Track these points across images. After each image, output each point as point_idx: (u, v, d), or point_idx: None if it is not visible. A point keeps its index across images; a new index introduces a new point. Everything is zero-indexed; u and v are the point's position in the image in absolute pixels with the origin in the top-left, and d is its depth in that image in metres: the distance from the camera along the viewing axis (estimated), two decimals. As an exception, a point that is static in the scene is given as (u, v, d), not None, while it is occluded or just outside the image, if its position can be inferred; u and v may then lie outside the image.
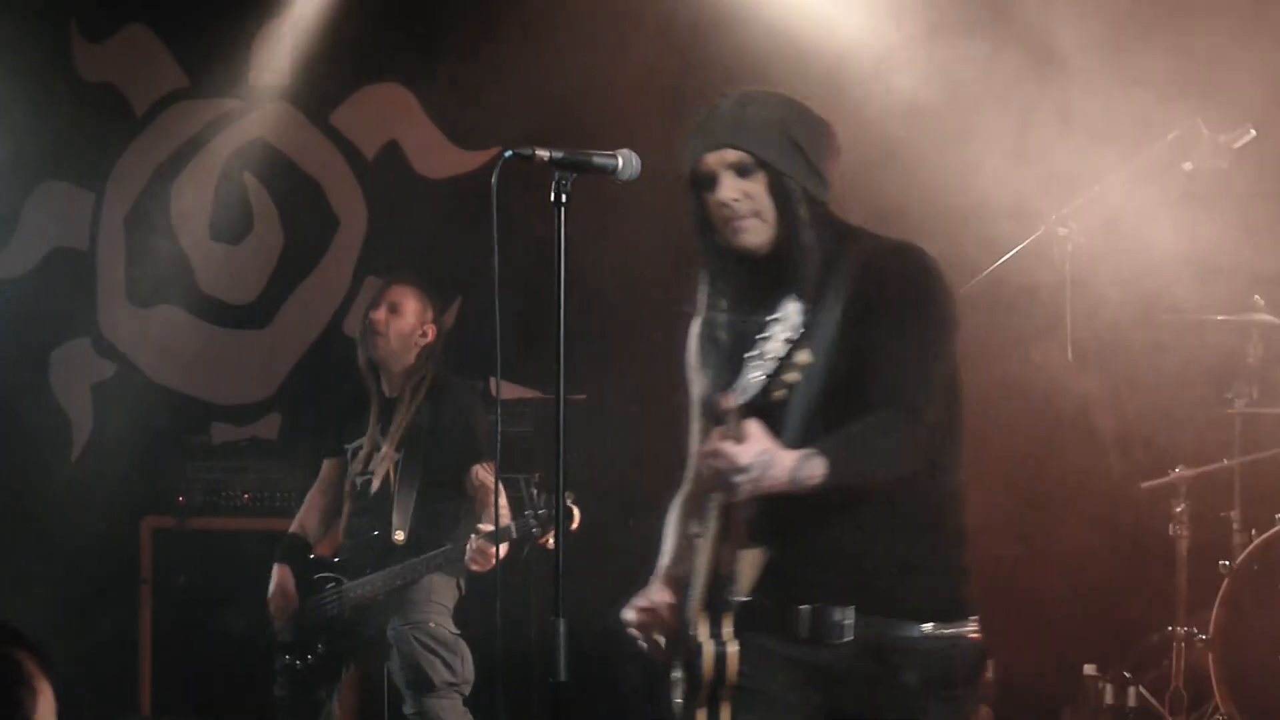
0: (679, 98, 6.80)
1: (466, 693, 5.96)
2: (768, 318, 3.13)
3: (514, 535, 5.58)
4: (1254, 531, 5.88)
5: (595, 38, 7.04)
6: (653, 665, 3.65)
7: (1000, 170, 6.31)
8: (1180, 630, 5.93)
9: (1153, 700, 6.05)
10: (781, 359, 3.12)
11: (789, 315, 3.11)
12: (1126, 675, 6.13)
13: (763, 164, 3.41)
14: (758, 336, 3.16)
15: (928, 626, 3.41)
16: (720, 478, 3.24)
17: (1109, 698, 6.10)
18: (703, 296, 3.63)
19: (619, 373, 6.93)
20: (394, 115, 8.02)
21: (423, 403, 6.02)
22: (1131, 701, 6.08)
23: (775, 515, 3.36)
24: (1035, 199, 6.18)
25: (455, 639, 5.95)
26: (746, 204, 3.42)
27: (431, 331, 6.09)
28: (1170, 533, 6.02)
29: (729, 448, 3.20)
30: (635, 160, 3.45)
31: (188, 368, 8.23)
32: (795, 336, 3.10)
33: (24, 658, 2.33)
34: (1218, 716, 5.73)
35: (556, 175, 3.37)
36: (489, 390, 6.76)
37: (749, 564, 3.42)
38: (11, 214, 8.39)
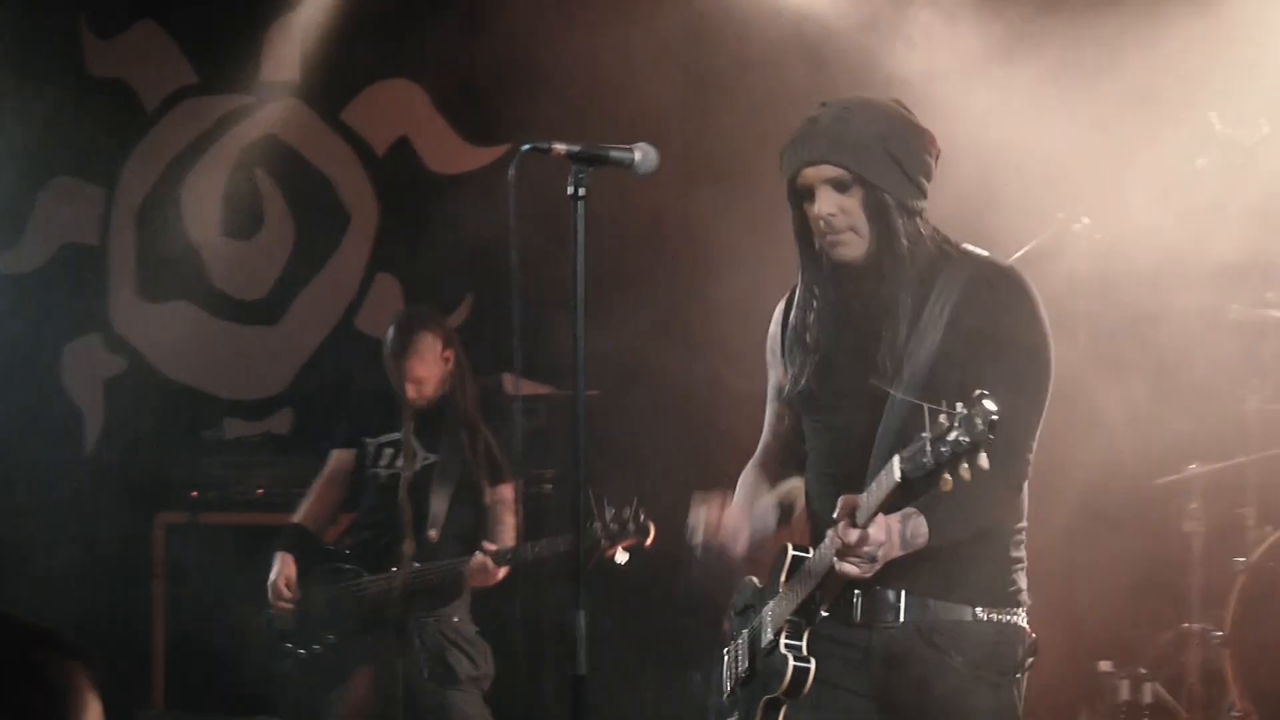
0: (693, 90, 6.80)
1: (486, 688, 6.00)
2: (961, 408, 3.01)
3: None
4: (1269, 528, 5.86)
5: (607, 31, 7.03)
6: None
7: (1016, 166, 6.30)
8: (1195, 627, 5.92)
9: (1169, 697, 6.04)
10: (957, 454, 3.01)
11: (979, 415, 2.98)
12: (1142, 672, 6.12)
13: (860, 179, 3.45)
14: (945, 420, 3.03)
15: (978, 611, 3.47)
16: (862, 561, 3.27)
17: (1125, 694, 6.09)
18: (798, 290, 3.67)
19: (631, 368, 6.91)
20: (405, 111, 8.01)
21: (462, 415, 6.05)
22: (1147, 698, 6.07)
23: None
24: (1050, 195, 6.17)
25: (476, 634, 6.00)
26: (843, 219, 3.47)
27: (451, 356, 6.10)
28: (1185, 529, 6.02)
29: (868, 535, 3.23)
30: (653, 153, 3.46)
31: (200, 363, 8.23)
32: (980, 441, 2.98)
33: (78, 669, 2.13)
34: (1233, 713, 5.72)
35: (574, 169, 3.37)
36: (501, 387, 6.76)
37: (839, 586, 3.46)
38: (23, 210, 8.38)
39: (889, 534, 3.27)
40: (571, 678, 3.30)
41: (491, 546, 5.80)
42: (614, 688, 6.13)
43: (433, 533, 5.97)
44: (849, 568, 3.28)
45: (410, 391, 6.04)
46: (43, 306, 8.27)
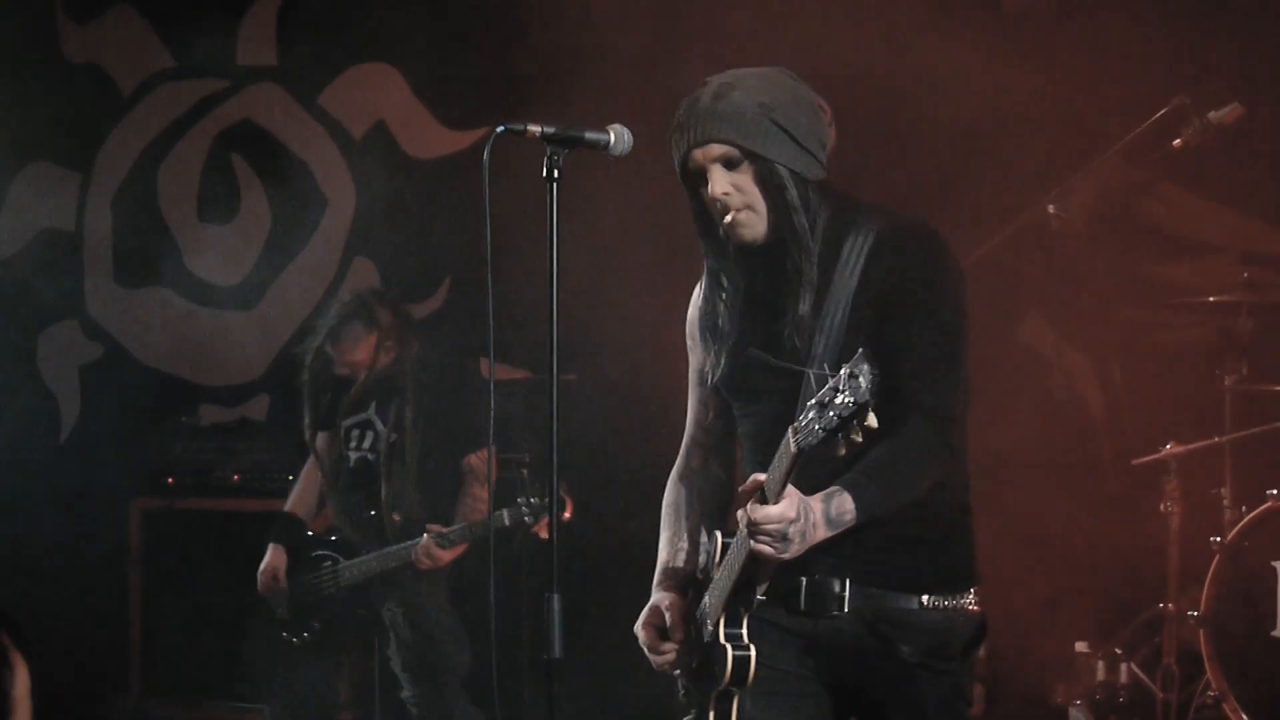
0: (672, 72, 6.78)
1: (464, 675, 5.98)
2: (844, 370, 2.93)
3: (506, 523, 5.61)
4: (1245, 508, 5.87)
5: (585, 15, 7.01)
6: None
7: (989, 151, 6.31)
8: (1171, 607, 5.93)
9: (1144, 677, 6.05)
10: (847, 417, 2.93)
11: (861, 374, 2.91)
12: (1118, 652, 6.13)
13: (748, 153, 3.35)
14: (831, 384, 2.96)
15: (925, 599, 3.41)
16: (773, 540, 3.18)
17: (1101, 675, 6.11)
18: (706, 278, 3.59)
19: (607, 352, 6.91)
20: (382, 95, 7.98)
21: (416, 385, 6.04)
22: (1123, 678, 6.09)
23: None
24: (1025, 179, 6.17)
25: (452, 621, 5.98)
26: (738, 197, 3.37)
27: (391, 330, 6.12)
28: (1162, 509, 6.02)
29: (771, 511, 3.15)
30: (627, 135, 3.44)
31: (176, 349, 8.21)
32: (864, 401, 2.91)
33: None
34: (1209, 693, 5.73)
35: (548, 151, 3.36)
36: (479, 371, 6.75)
37: (768, 569, 3.37)
38: (-2, 195, 8.36)
39: (804, 511, 3.17)
40: (545, 661, 3.30)
41: (436, 528, 5.79)
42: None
43: (396, 515, 5.96)
44: (761, 547, 3.19)
45: (358, 373, 6.09)
46: (18, 293, 8.25)
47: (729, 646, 3.38)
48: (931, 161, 6.36)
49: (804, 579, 3.41)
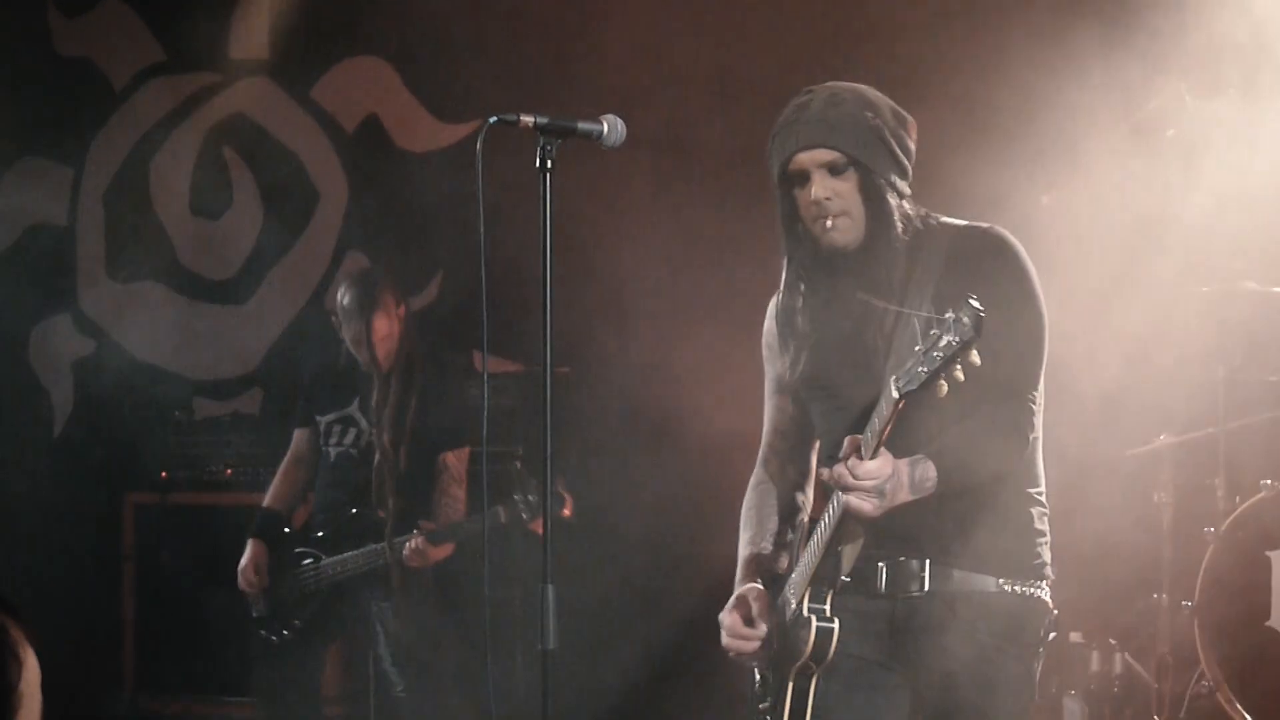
0: (662, 64, 6.79)
1: (452, 669, 5.96)
2: (949, 315, 3.08)
3: (502, 520, 5.60)
4: (1238, 498, 5.88)
5: (576, 6, 7.01)
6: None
7: (981, 141, 6.30)
8: (1165, 597, 5.94)
9: (1139, 667, 6.06)
10: (950, 357, 3.08)
11: (967, 315, 3.05)
12: (1112, 642, 6.14)
13: (855, 162, 3.49)
14: (935, 330, 3.11)
15: (1002, 582, 3.51)
16: (869, 495, 3.30)
17: (1095, 665, 6.12)
18: (785, 277, 3.70)
19: (603, 345, 6.91)
20: (374, 88, 7.98)
21: (411, 381, 6.00)
22: (1118, 669, 6.10)
23: None
24: (1018, 170, 6.17)
25: (440, 615, 5.96)
26: (838, 203, 3.50)
27: (402, 311, 6.05)
28: (1155, 500, 6.03)
29: (870, 465, 3.28)
30: (620, 126, 3.47)
31: (169, 343, 8.19)
32: (969, 337, 3.05)
33: (9, 624, 2.29)
34: (1203, 682, 5.74)
35: (541, 141, 3.37)
36: (471, 365, 6.74)
37: (852, 548, 3.49)
38: (-11, 190, 8.34)
39: (895, 471, 3.30)
40: (540, 652, 3.30)
41: (429, 525, 5.78)
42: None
43: (382, 512, 5.92)
44: (857, 501, 3.30)
45: (379, 351, 5.97)
46: (10, 288, 8.22)
47: (813, 618, 3.49)
48: (922, 153, 6.34)
49: (883, 563, 3.52)
